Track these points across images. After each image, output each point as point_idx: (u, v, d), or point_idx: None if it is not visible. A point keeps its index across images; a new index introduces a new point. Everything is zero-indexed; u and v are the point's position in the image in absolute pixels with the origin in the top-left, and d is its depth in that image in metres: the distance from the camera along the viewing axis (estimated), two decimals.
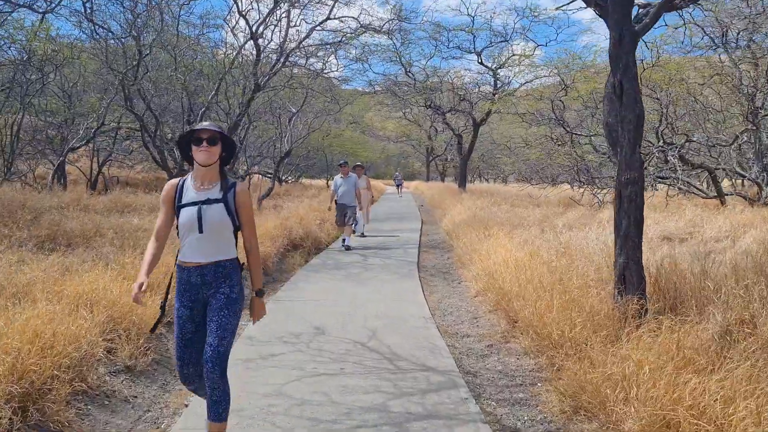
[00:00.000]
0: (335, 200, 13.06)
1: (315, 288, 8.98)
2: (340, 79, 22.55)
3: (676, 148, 14.79)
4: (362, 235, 14.80)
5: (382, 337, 6.26)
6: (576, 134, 16.55)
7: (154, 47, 13.49)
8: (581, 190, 17.70)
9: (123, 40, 12.06)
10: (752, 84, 15.36)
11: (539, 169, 46.30)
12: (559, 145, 17.60)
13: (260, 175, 35.88)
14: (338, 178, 13.30)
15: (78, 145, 20.61)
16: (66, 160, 24.09)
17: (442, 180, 58.26)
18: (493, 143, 37.02)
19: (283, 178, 34.32)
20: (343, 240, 12.82)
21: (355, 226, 13.43)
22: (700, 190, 17.37)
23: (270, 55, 15.43)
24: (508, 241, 9.38)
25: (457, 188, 29.62)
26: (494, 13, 64.73)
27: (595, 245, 8.91)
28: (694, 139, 14.67)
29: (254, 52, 13.69)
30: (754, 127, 15.13)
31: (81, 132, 20.90)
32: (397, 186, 42.11)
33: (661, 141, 14.55)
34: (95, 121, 20.84)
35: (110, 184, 26.70)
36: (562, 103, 16.90)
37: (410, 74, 25.39)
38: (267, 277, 10.22)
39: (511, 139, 31.44)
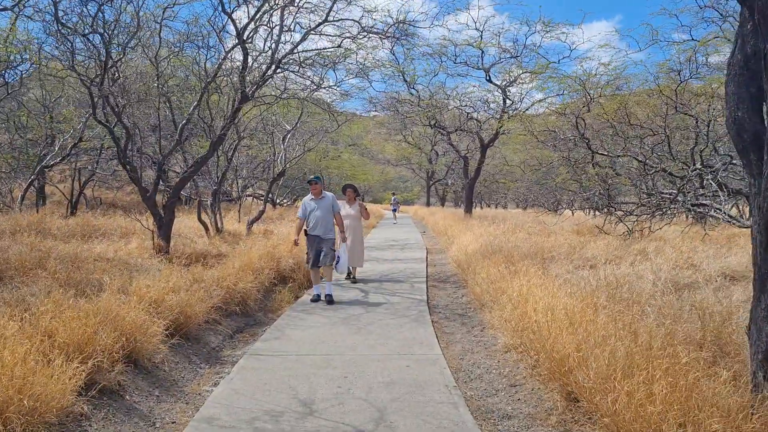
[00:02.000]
0: (305, 230, 9.64)
1: (304, 336, 7.22)
2: (338, 93, 20.89)
3: (715, 171, 13.14)
4: (350, 278, 11.48)
5: (395, 421, 4.50)
6: (602, 154, 14.90)
7: (128, 49, 11.84)
8: (603, 217, 15.96)
9: (89, 37, 10.39)
10: None
11: (544, 194, 44.93)
12: (582, 165, 15.93)
13: (254, 197, 34.26)
14: (308, 200, 9.76)
15: (52, 163, 18.91)
16: (47, 179, 22.55)
17: (442, 204, 56.68)
18: (504, 164, 35.30)
19: (278, 201, 32.64)
20: (317, 295, 9.46)
21: (337, 264, 9.68)
22: (730, 216, 15.71)
23: (261, 64, 13.80)
24: (546, 281, 7.62)
25: (461, 213, 27.92)
26: (503, 28, 62.53)
27: (654, 286, 7.19)
28: (736, 162, 13.05)
29: (241, 58, 12.04)
30: None
31: (56, 149, 19.25)
32: (393, 211, 38.72)
33: (700, 163, 12.92)
34: (72, 136, 19.22)
35: (92, 205, 25.05)
36: (583, 121, 15.30)
37: (414, 90, 23.81)
38: (247, 318, 8.50)
39: (517, 163, 29.85)
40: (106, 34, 10.52)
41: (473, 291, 9.77)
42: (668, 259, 9.41)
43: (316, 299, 9.42)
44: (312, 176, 10.05)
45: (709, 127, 12.40)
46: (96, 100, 11.33)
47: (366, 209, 12.04)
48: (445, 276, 12.53)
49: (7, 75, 16.34)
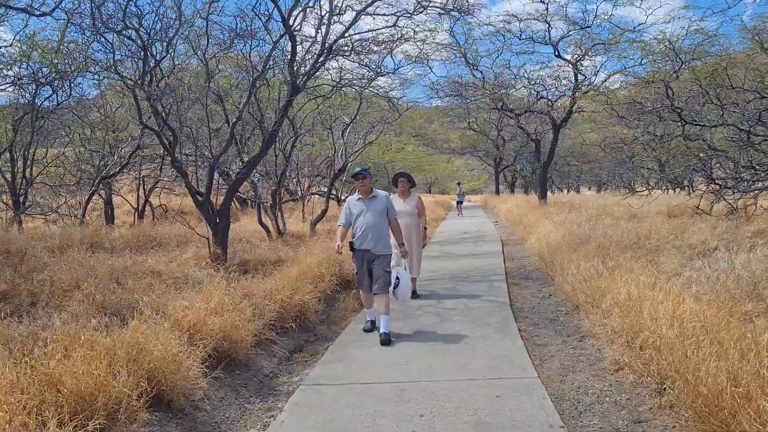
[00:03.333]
0: (351, 242, 7.16)
1: (371, 356, 6.16)
2: (398, 81, 19.79)
3: None
4: (414, 295, 8.84)
5: None
6: (697, 124, 13.17)
7: (171, 46, 11.07)
8: (692, 195, 14.21)
9: (124, 33, 9.64)
10: None
11: (624, 173, 42.59)
12: (668, 141, 14.24)
13: (319, 195, 33.55)
14: (353, 200, 7.29)
15: (111, 173, 18.53)
16: (113, 191, 22.38)
17: (512, 191, 54.81)
18: (578, 144, 33.25)
19: (342, 198, 31.82)
20: (370, 323, 7.28)
21: (395, 289, 7.24)
22: None
23: (312, 55, 12.83)
24: (659, 279, 6.29)
25: (534, 200, 26.36)
26: None
27: None
28: None
29: (289, 48, 11.07)
30: None
31: (115, 158, 18.89)
32: (458, 204, 32.76)
33: None
34: (130, 144, 18.83)
35: (159, 213, 24.82)
36: (671, 90, 13.61)
37: (479, 71, 22.37)
38: (307, 333, 7.52)
39: (595, 142, 27.97)
40: (143, 30, 9.74)
41: (562, 290, 8.50)
42: None
43: (370, 328, 7.18)
44: (358, 168, 7.26)
45: None
46: (142, 102, 10.65)
47: (423, 206, 9.43)
48: (527, 272, 11.26)
49: (65, 87, 16.01)
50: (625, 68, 18.74)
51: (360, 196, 7.20)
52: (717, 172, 12.65)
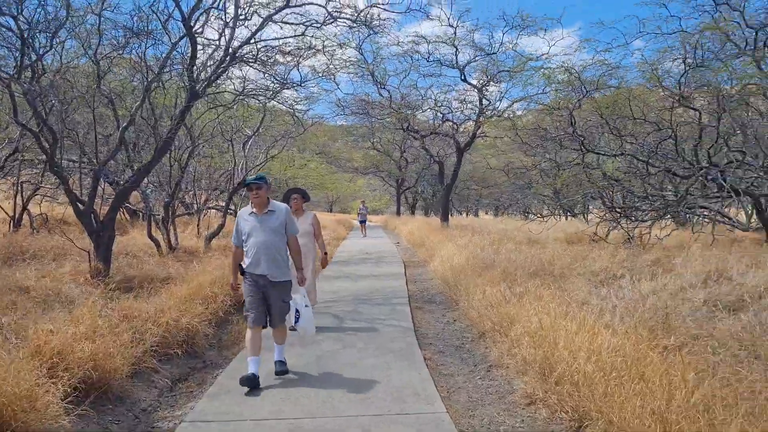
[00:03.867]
0: (240, 266, 5.96)
1: (265, 388, 5.58)
2: (303, 95, 19.26)
3: (720, 170, 11.83)
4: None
5: None
6: (599, 153, 13.46)
7: (59, 39, 10.11)
8: (597, 224, 14.51)
9: (8, 24, 8.67)
10: None
11: (523, 199, 43.84)
12: (568, 168, 14.49)
13: (216, 210, 32.23)
14: (245, 214, 5.99)
15: None
16: None
17: (412, 213, 55.24)
18: (478, 169, 33.72)
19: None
20: (251, 376, 5.53)
21: (296, 323, 6.21)
22: (729, 219, 14.48)
23: (215, 61, 12.13)
24: (570, 308, 6.08)
25: (436, 222, 26.43)
26: (478, 24, 58.93)
27: (704, 307, 5.75)
28: (747, 161, 11.65)
29: (189, 51, 10.36)
30: None
31: None
32: (361, 222, 30.92)
33: (707, 161, 11.59)
34: (7, 147, 17.26)
35: (38, 222, 22.93)
36: (572, 118, 13.89)
37: (386, 90, 22.20)
38: (195, 360, 6.83)
39: (498, 167, 28.52)
40: (22, 18, 8.79)
41: (468, 315, 8.23)
42: (696, 272, 7.97)
43: (249, 382, 5.47)
44: (252, 177, 6.15)
45: (720, 121, 11.06)
46: (20, 100, 9.63)
47: (320, 225, 8.39)
48: (430, 295, 10.97)
49: None
50: (529, 95, 19.10)
51: (253, 210, 5.89)
52: (614, 201, 12.90)
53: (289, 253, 6.06)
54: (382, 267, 15.17)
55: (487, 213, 68.00)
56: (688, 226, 14.63)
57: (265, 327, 5.88)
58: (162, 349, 6.37)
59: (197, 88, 10.60)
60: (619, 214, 12.70)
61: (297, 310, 6.17)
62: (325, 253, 8.34)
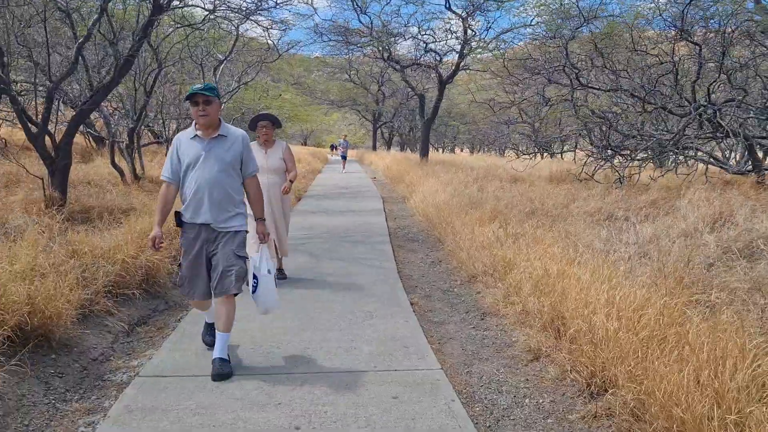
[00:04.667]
0: (178, 213, 4.35)
1: (234, 333, 4.92)
2: (279, 19, 18.09)
3: (717, 108, 11.21)
4: (281, 274, 6.84)
5: None
6: (593, 88, 12.71)
7: None
8: (585, 161, 13.89)
9: None
10: None
11: (497, 138, 43.20)
12: (566, 101, 13.74)
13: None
14: (185, 137, 4.34)
15: None
16: None
17: (388, 148, 54.37)
18: (472, 102, 32.40)
19: None
20: (211, 327, 4.65)
21: (254, 293, 4.46)
22: (720, 161, 13.97)
23: None
24: (582, 255, 5.47)
25: (414, 157, 25.70)
26: None
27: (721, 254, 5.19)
28: (747, 100, 11.00)
29: None
30: None
31: None
32: (342, 158, 29.91)
33: (705, 100, 10.94)
34: None
35: None
36: (566, 49, 13.07)
37: (367, 16, 20.98)
38: (157, 301, 6.18)
39: (483, 101, 27.55)
40: None
41: (456, 257, 7.62)
42: (702, 216, 7.42)
43: (211, 341, 4.55)
44: (197, 85, 4.29)
45: (724, 56, 10.34)
46: None
47: (294, 159, 6.86)
48: (412, 233, 10.35)
49: None
50: (516, 26, 18.12)
51: (197, 133, 4.25)
52: (609, 138, 12.24)
53: (246, 198, 4.55)
54: (360, 202, 14.50)
55: (462, 150, 67.40)
56: (666, 168, 14.10)
57: (205, 299, 4.40)
58: (119, 289, 5.67)
59: (161, 0, 9.56)
60: (613, 153, 12.07)
61: (255, 276, 4.42)
62: (291, 181, 6.71)
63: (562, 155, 38.84)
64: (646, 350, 3.23)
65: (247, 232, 4.45)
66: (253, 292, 4.43)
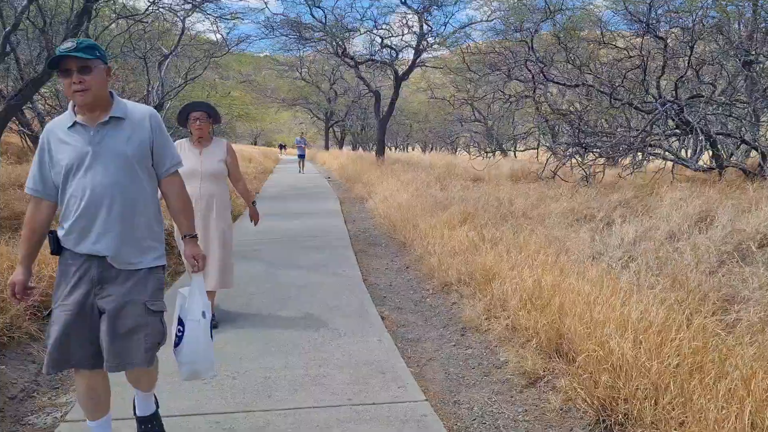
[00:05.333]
0: (53, 235, 2.70)
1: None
2: (228, 13, 17.29)
3: (684, 105, 10.95)
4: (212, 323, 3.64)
5: None
6: (559, 83, 12.31)
7: None
8: (548, 159, 13.52)
9: None
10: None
11: (450, 136, 42.98)
12: (527, 97, 13.34)
13: None
14: (61, 125, 2.70)
15: None
16: None
17: (340, 147, 53.63)
18: (432, 99, 31.61)
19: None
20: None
21: (178, 342, 2.85)
22: (681, 159, 13.80)
23: None
24: (573, 264, 4.95)
25: (369, 157, 25.10)
26: None
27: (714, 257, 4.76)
28: (715, 97, 10.76)
29: None
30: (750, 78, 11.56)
31: None
32: (300, 157, 27.21)
33: (672, 96, 10.66)
34: None
35: None
36: (528, 45, 12.66)
37: (320, 8, 20.15)
38: None
39: (440, 99, 27.20)
40: None
41: (426, 263, 7.04)
42: (685, 215, 7.02)
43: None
44: (65, 44, 2.59)
45: (692, 50, 10.05)
46: None
47: (237, 161, 5.28)
48: (373, 237, 9.74)
49: None
50: (474, 21, 17.67)
51: (77, 119, 2.70)
52: (578, 136, 11.85)
53: (167, 207, 2.99)
54: (316, 203, 13.84)
55: (413, 149, 67.09)
56: (621, 165, 13.84)
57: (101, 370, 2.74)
58: (46, 309, 4.91)
59: None
60: (584, 150, 11.69)
61: (180, 322, 2.88)
62: (253, 203, 5.41)
63: (515, 153, 38.92)
64: (681, 382, 2.71)
65: (164, 268, 2.91)
66: (176, 345, 2.86)
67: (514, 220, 7.56)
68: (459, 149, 51.65)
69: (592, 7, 12.82)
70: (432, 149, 55.76)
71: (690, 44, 10.10)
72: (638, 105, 11.13)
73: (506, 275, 5.04)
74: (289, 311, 5.52)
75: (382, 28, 21.46)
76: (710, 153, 11.78)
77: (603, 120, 11.92)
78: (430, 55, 22.99)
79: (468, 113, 32.89)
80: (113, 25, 13.93)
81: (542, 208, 8.77)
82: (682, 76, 10.63)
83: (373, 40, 22.45)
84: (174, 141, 3.69)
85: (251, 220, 5.42)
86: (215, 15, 15.18)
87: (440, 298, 6.07)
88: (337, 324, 5.14)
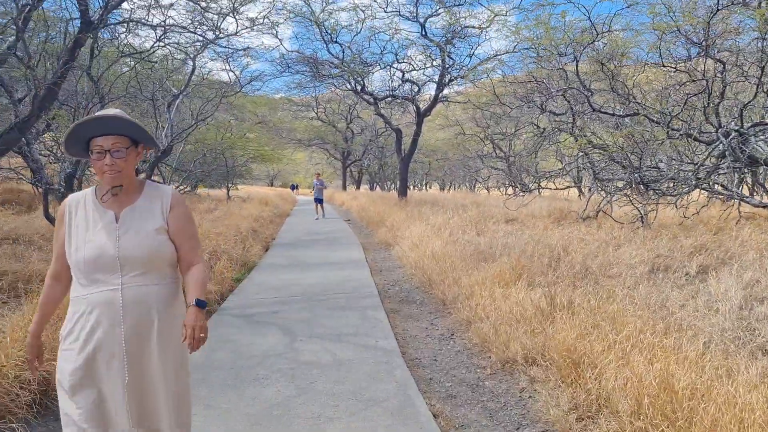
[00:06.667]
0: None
1: None
2: (240, 47, 16.44)
3: (751, 134, 9.70)
4: None
5: None
6: (605, 113, 11.08)
7: None
8: (602, 199, 12.25)
9: None
10: None
11: (471, 172, 41.83)
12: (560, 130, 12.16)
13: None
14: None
15: None
16: None
17: (357, 187, 52.72)
18: (460, 134, 30.57)
19: (170, 186, 27.28)
20: None
21: None
22: (743, 195, 12.49)
23: None
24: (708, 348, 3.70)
25: (391, 196, 23.94)
26: None
27: None
28: None
29: None
30: None
31: None
32: (317, 201, 22.67)
33: (740, 124, 9.42)
34: None
35: None
36: (565, 72, 11.55)
37: (338, 44, 19.21)
38: None
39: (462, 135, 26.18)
40: None
41: (476, 331, 5.78)
42: None
43: None
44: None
45: (763, 71, 8.82)
46: None
47: (192, 224, 2.76)
48: (406, 291, 8.49)
49: None
50: (499, 53, 16.67)
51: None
52: (642, 177, 10.53)
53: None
54: (338, 251, 12.62)
55: (431, 187, 66.09)
56: (681, 204, 12.56)
57: None
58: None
59: (91, 15, 7.74)
60: (643, 187, 10.39)
61: None
62: (202, 305, 2.58)
63: (539, 190, 37.60)
64: None
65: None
66: None
67: (591, 278, 6.29)
68: (478, 186, 50.55)
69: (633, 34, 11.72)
70: (451, 187, 54.72)
71: (761, 65, 8.86)
72: (697, 135, 9.90)
73: (600, 359, 3.77)
74: (312, 407, 4.26)
75: (403, 62, 20.51)
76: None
77: (663, 153, 10.72)
78: (452, 90, 22.00)
79: (489, 150, 31.87)
80: (119, 64, 13.02)
81: (603, 256, 7.50)
82: (747, 103, 9.38)
83: (393, 75, 21.51)
84: (177, 188, 2.66)
85: (184, 339, 2.48)
86: (228, 51, 14.26)
87: (503, 382, 4.79)
88: (375, 423, 3.89)
